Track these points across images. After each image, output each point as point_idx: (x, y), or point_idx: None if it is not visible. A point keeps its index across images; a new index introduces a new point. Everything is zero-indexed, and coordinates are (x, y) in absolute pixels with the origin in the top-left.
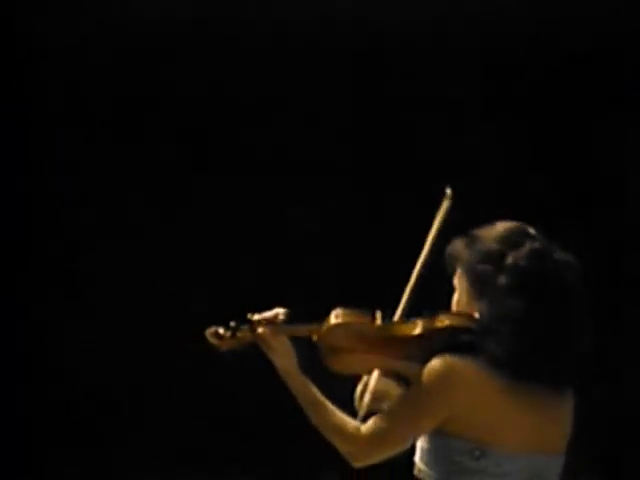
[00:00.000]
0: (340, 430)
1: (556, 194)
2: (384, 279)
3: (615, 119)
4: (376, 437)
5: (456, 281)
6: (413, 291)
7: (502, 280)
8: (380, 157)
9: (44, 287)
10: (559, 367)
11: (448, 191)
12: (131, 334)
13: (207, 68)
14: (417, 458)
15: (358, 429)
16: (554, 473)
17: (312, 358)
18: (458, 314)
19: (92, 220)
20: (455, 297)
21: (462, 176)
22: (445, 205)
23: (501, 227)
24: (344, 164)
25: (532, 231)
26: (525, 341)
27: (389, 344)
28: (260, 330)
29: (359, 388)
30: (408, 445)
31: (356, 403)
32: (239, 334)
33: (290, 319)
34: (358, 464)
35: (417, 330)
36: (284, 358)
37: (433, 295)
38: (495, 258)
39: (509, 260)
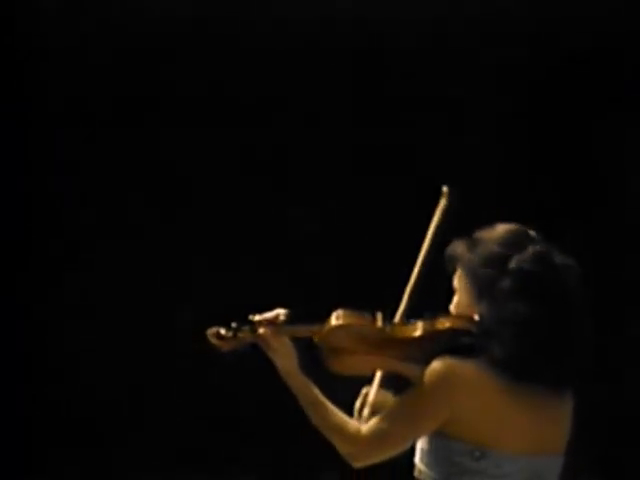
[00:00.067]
0: (340, 430)
1: (556, 194)
2: (384, 279)
3: (615, 119)
4: (376, 438)
5: (456, 281)
6: (413, 292)
7: (505, 283)
8: (380, 157)
9: (44, 287)
10: (560, 369)
11: (445, 189)
12: (131, 334)
13: (207, 68)
14: (417, 459)
15: (358, 430)
16: (554, 474)
17: (313, 359)
18: (458, 316)
19: (92, 220)
20: (455, 297)
21: (462, 176)
22: (442, 203)
23: (502, 230)
24: (344, 164)
25: (532, 233)
26: (527, 344)
27: (390, 345)
28: (261, 331)
29: (358, 402)
30: (408, 446)
31: (355, 416)
32: (240, 334)
33: (291, 319)
34: (358, 464)
35: (418, 332)
36: (285, 358)
37: (433, 295)
38: (497, 261)
39: (512, 264)
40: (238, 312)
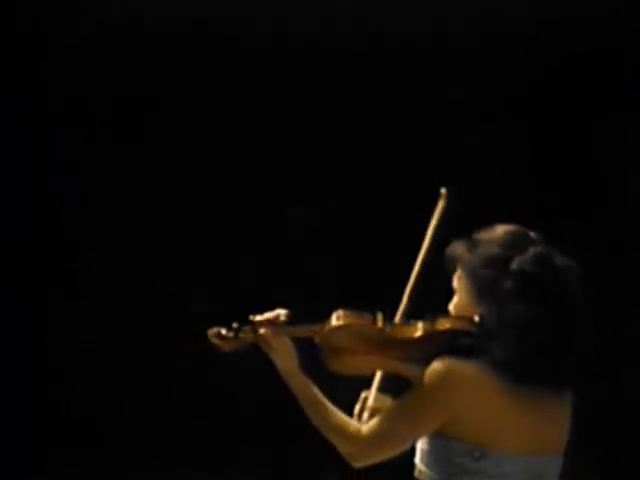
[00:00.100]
0: (341, 430)
1: (556, 194)
2: (384, 279)
3: (615, 119)
4: (376, 438)
5: (456, 282)
6: (413, 292)
7: (507, 285)
8: (380, 157)
9: (44, 287)
10: (561, 370)
11: (443, 191)
12: (131, 334)
13: (207, 68)
14: (417, 459)
15: (359, 430)
16: (553, 474)
17: (313, 359)
18: (459, 317)
19: (92, 220)
20: (455, 298)
21: (462, 176)
22: (440, 205)
23: (502, 231)
24: (344, 164)
25: (532, 234)
26: (529, 345)
27: (390, 346)
28: (262, 331)
29: (357, 406)
30: (408, 446)
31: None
32: (241, 335)
33: (291, 320)
34: (358, 464)
35: (418, 332)
36: (285, 359)
37: (433, 296)
38: (498, 263)
39: (514, 265)
40: (238, 312)
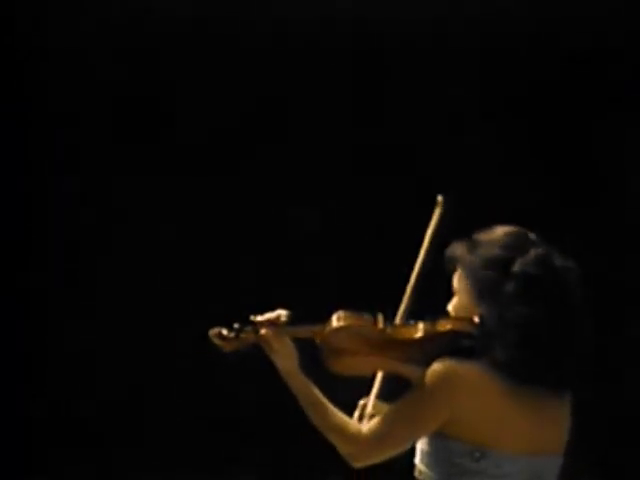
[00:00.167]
0: (341, 431)
1: (556, 194)
2: (384, 279)
3: (615, 119)
4: (377, 438)
5: (456, 282)
6: (413, 293)
7: (509, 287)
8: (380, 157)
9: (44, 287)
10: (561, 371)
11: (440, 198)
12: (131, 334)
13: (207, 68)
14: (417, 460)
15: (359, 430)
16: (553, 474)
17: (313, 359)
18: (459, 318)
19: (92, 220)
20: (455, 298)
21: (462, 176)
22: (438, 212)
23: (502, 232)
24: (344, 164)
25: (532, 236)
26: (529, 346)
27: (391, 347)
28: (263, 331)
29: (356, 413)
30: (409, 446)
31: None
32: (242, 335)
33: (292, 320)
34: (358, 465)
35: (419, 333)
36: (286, 359)
37: (433, 296)
38: (499, 264)
39: (516, 267)
40: (238, 312)
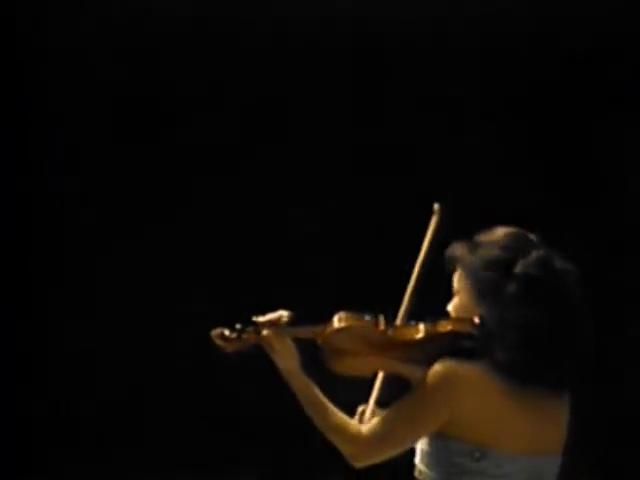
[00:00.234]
0: (342, 431)
1: (556, 194)
2: (384, 279)
3: (615, 119)
4: (377, 438)
5: (456, 282)
6: (414, 294)
7: (510, 288)
8: (380, 157)
9: (44, 287)
10: (562, 371)
11: (436, 207)
12: (131, 334)
13: (207, 68)
14: (417, 460)
15: (359, 430)
16: (552, 474)
17: (314, 359)
18: (460, 319)
19: (92, 220)
20: (455, 298)
21: (462, 176)
22: (434, 220)
23: (502, 233)
24: (344, 164)
25: (532, 237)
26: (530, 347)
27: (392, 347)
28: (265, 332)
29: (355, 419)
30: (409, 446)
31: None
32: (244, 336)
33: (293, 321)
34: (359, 465)
35: (420, 334)
36: (287, 359)
37: (434, 296)
38: (500, 265)
39: (517, 268)
40: (238, 312)
